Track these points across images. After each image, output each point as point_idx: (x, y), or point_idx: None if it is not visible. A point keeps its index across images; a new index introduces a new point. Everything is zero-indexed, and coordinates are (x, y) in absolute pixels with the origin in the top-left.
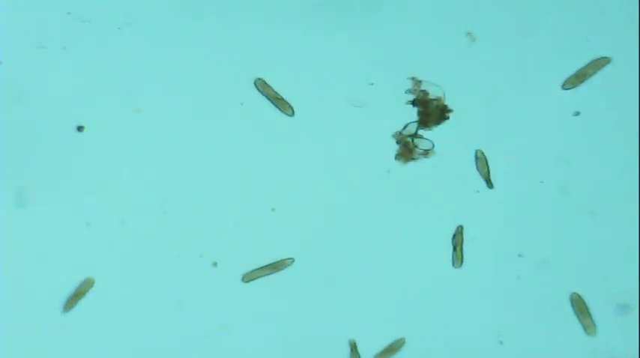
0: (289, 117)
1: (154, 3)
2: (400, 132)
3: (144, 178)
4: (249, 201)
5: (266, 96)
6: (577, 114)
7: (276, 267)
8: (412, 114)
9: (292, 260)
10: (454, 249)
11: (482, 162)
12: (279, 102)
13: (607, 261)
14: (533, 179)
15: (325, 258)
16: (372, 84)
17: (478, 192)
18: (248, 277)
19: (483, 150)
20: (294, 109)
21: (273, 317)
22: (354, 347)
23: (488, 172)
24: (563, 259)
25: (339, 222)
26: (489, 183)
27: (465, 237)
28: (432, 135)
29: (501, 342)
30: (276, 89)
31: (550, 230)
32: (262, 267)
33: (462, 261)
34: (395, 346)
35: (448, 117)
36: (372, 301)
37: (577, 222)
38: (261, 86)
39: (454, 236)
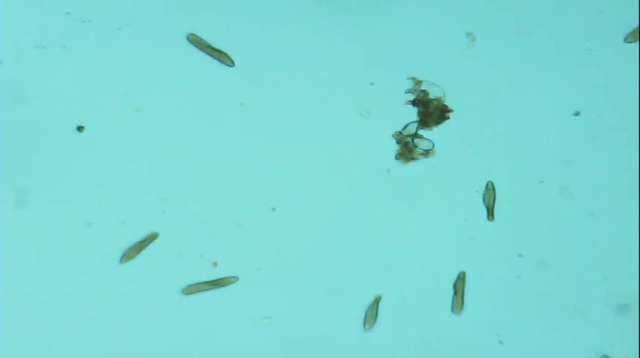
0: (290, 118)
1: (154, 3)
2: (400, 132)
3: (144, 178)
4: (249, 201)
5: (201, 50)
6: (577, 114)
7: (218, 283)
8: (412, 114)
9: (236, 278)
10: (455, 293)
11: (489, 194)
12: (215, 54)
13: (607, 261)
14: (533, 179)
15: (325, 258)
16: (372, 84)
17: (478, 191)
18: (188, 290)
19: (487, 158)
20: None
21: (273, 317)
22: (377, 301)
23: (493, 204)
24: (563, 259)
25: (339, 222)
26: (491, 216)
27: (465, 237)
28: (432, 135)
29: (501, 342)
30: (279, 89)
31: (550, 230)
32: (204, 282)
33: (462, 308)
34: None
35: (448, 117)
36: (371, 300)
37: (577, 222)
38: (195, 41)
39: (455, 282)
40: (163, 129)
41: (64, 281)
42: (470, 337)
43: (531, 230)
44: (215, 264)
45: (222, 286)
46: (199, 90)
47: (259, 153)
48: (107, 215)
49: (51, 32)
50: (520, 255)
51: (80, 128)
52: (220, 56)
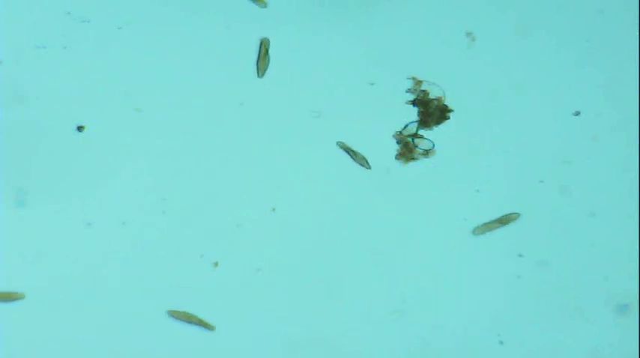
0: (290, 118)
1: (154, 3)
2: (400, 132)
3: (144, 178)
4: (249, 201)
5: None
6: (577, 114)
7: (8, 296)
8: (412, 114)
9: (23, 295)
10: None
11: None
12: None
13: (607, 261)
14: (533, 179)
15: (325, 258)
16: (372, 84)
17: (478, 191)
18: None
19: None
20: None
21: (272, 317)
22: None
23: None
24: (563, 259)
25: (339, 222)
26: None
27: (465, 236)
28: (432, 135)
29: (501, 342)
30: (279, 89)
31: (550, 230)
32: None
33: None
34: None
35: (448, 117)
36: (371, 300)
37: (577, 222)
38: None
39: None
40: (163, 129)
41: (64, 282)
42: (470, 337)
43: (531, 230)
44: (215, 264)
45: (10, 301)
46: (199, 90)
47: (259, 153)
48: (107, 215)
49: (51, 32)
50: (520, 255)
51: (80, 128)
52: None
